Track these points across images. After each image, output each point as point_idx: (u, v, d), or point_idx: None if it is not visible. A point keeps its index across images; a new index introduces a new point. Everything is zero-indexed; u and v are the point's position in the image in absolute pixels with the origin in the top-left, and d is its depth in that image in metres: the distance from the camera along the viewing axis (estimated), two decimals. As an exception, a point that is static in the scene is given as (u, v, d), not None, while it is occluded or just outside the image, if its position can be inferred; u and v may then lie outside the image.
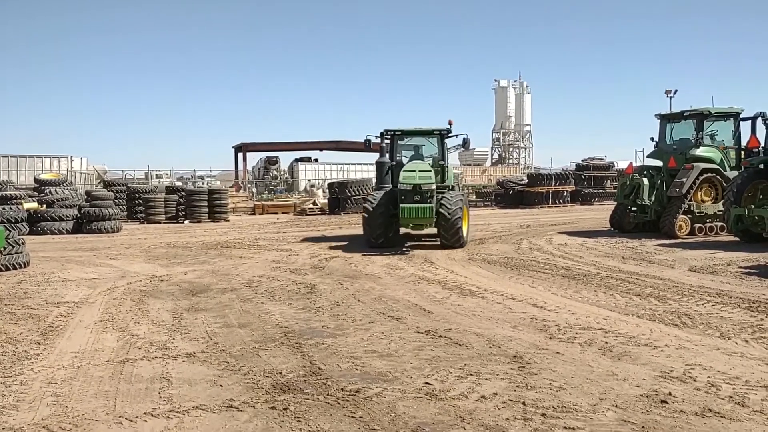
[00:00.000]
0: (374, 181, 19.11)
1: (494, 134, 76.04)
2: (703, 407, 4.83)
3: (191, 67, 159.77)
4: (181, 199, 27.45)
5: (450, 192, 16.16)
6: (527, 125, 75.59)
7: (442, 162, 16.98)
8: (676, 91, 34.15)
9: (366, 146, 17.46)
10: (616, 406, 4.89)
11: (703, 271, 11.51)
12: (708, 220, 17.52)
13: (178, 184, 36.02)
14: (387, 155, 17.27)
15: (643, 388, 5.29)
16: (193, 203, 26.99)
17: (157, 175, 48.96)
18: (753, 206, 15.09)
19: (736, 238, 15.80)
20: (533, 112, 76.75)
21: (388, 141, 17.27)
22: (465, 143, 17.15)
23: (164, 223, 26.33)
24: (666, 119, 19.16)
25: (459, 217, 15.07)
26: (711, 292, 9.47)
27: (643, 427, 4.48)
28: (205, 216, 26.98)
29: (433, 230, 16.24)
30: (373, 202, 15.66)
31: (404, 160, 17.25)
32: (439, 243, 15.81)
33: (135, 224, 25.98)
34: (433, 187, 15.16)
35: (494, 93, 76.59)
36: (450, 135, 17.03)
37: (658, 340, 6.83)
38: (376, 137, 17.36)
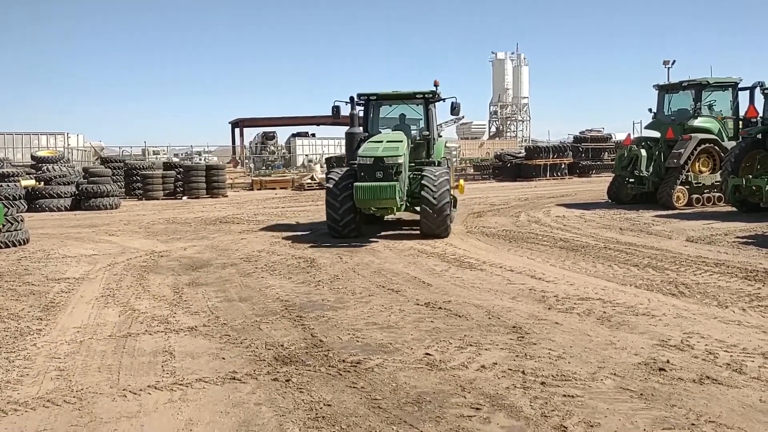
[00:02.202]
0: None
1: (492, 107, 75.69)
2: (701, 374, 4.88)
3: (187, 43, 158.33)
4: (178, 176, 27.38)
5: (433, 168, 13.05)
6: (525, 98, 75.23)
7: (428, 133, 13.93)
8: (674, 61, 33.94)
9: (333, 115, 14.06)
10: (615, 374, 4.95)
11: (700, 242, 11.56)
12: (705, 191, 17.55)
13: (175, 160, 35.84)
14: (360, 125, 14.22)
15: (641, 356, 5.35)
16: (191, 179, 26.93)
17: (154, 151, 48.69)
18: (750, 176, 15.10)
19: (734, 209, 15.84)
20: (531, 85, 76.40)
21: (361, 108, 14.31)
22: (454, 108, 13.86)
23: (162, 199, 26.29)
24: (664, 90, 19.08)
25: (447, 202, 12.31)
26: (708, 262, 9.52)
27: (641, 394, 4.53)
28: (203, 192, 26.94)
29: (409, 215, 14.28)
30: (336, 180, 12.65)
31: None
32: (419, 232, 12.84)
33: (133, 201, 25.94)
34: (401, 161, 12.08)
35: (492, 66, 76.08)
36: (436, 99, 14.02)
37: (655, 309, 6.89)
38: (347, 103, 14.11)
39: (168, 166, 29.39)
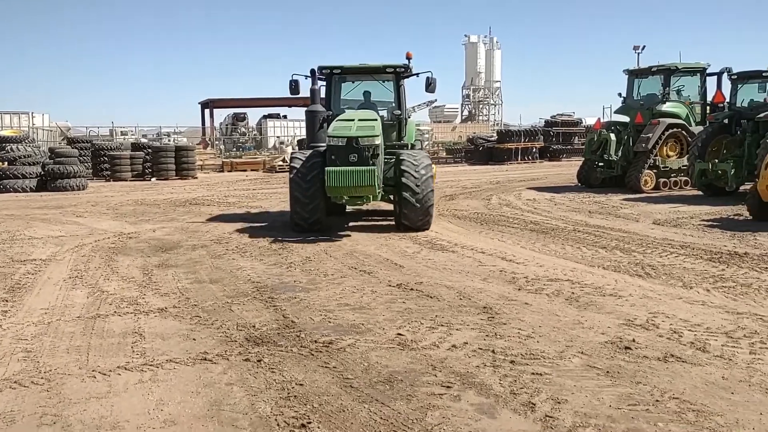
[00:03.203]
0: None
1: (464, 91, 75.77)
2: (666, 353, 5.00)
3: (155, 20, 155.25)
4: (147, 157, 26.98)
5: (412, 150, 11.96)
6: (497, 82, 75.40)
7: (399, 112, 12.37)
8: (644, 46, 34.27)
9: (291, 90, 12.18)
10: (582, 352, 5.04)
11: (666, 224, 11.78)
12: (673, 175, 17.85)
13: (144, 141, 35.28)
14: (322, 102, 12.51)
15: (607, 335, 5.46)
16: (160, 160, 26.55)
17: (122, 132, 47.85)
18: (717, 161, 15.39)
19: (700, 192, 16.16)
20: (503, 69, 76.55)
21: (323, 83, 12.58)
22: (429, 84, 12.25)
23: (131, 180, 25.90)
24: (634, 75, 19.29)
25: (431, 191, 11.02)
26: (674, 244, 9.72)
27: (607, 372, 4.63)
28: (173, 173, 26.59)
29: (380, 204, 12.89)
30: (303, 165, 11.01)
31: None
32: (394, 223, 11.77)
33: (101, 182, 25.51)
34: (378, 142, 10.66)
35: (464, 49, 76.04)
36: (409, 74, 12.48)
37: (622, 290, 7.02)
38: (306, 77, 12.35)
39: (136, 147, 28.93)
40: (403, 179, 10.88)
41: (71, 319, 6.18)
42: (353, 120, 10.96)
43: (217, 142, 47.51)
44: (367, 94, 12.87)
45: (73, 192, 21.15)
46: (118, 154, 26.83)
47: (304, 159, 11.11)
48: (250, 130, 54.12)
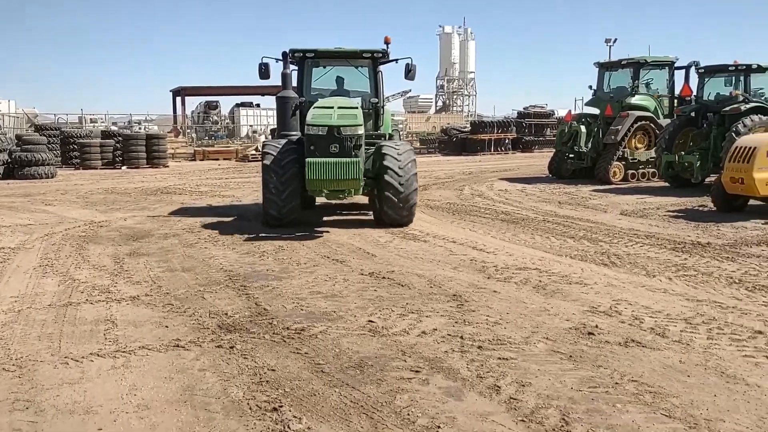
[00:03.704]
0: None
1: (438, 81, 75.91)
2: (627, 338, 5.19)
3: (124, 5, 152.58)
4: (118, 145, 26.63)
5: (393, 142, 11.13)
6: (471, 72, 75.67)
7: (376, 100, 11.62)
8: (615, 39, 34.94)
9: (261, 74, 11.46)
10: (547, 338, 5.20)
11: (633, 215, 12.06)
12: (641, 167, 18.21)
13: (114, 128, 34.79)
14: (294, 88, 11.71)
15: (572, 321, 5.63)
16: (130, 149, 26.24)
17: (91, 119, 47.07)
18: (683, 153, 15.74)
19: (667, 184, 16.53)
20: (477, 60, 76.82)
21: (295, 68, 11.84)
22: (409, 71, 11.60)
23: (101, 168, 25.57)
24: (604, 68, 19.58)
25: (414, 189, 10.41)
26: (640, 234, 9.97)
27: (570, 356, 4.80)
28: (144, 162, 26.31)
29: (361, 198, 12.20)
30: (276, 156, 10.32)
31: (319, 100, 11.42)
32: (373, 218, 11.30)
33: (70, 170, 25.15)
34: (360, 131, 10.04)
35: (439, 39, 76.12)
36: (386, 59, 11.82)
37: (588, 278, 7.22)
38: (277, 60, 11.57)
39: (107, 134, 28.53)
40: (386, 177, 10.15)
41: (42, 307, 6.17)
42: (332, 107, 10.24)
43: (188, 131, 47.05)
44: (340, 80, 12.12)
45: (42, 180, 20.84)
46: (88, 141, 26.46)
47: (278, 148, 10.44)
48: (223, 118, 53.66)
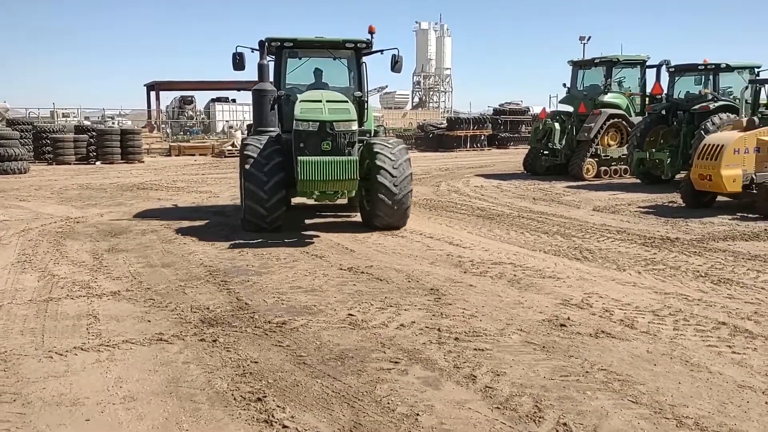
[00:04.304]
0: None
1: (415, 77, 76.13)
2: (597, 329, 5.39)
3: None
4: (91, 140, 26.37)
5: (383, 139, 10.63)
6: (447, 69, 76.01)
7: (360, 94, 10.83)
8: (589, 37, 35.46)
9: (236, 65, 10.53)
10: (521, 330, 5.39)
11: (605, 211, 12.33)
12: (613, 164, 18.55)
13: (87, 123, 34.41)
14: (271, 80, 10.87)
15: (545, 314, 5.83)
16: (104, 144, 26.00)
17: (63, 114, 46.45)
18: (654, 150, 16.09)
19: (638, 181, 16.87)
20: (453, 56, 77.19)
21: (272, 59, 10.95)
22: (396, 63, 10.92)
23: (74, 164, 25.32)
24: (578, 66, 19.88)
25: (410, 191, 9.86)
26: (611, 230, 10.23)
27: (543, 347, 4.99)
28: (118, 157, 26.09)
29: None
30: (260, 154, 9.54)
31: (297, 93, 10.54)
32: (361, 220, 10.57)
33: (43, 165, 24.86)
34: (354, 127, 9.49)
35: (415, 35, 76.32)
36: (370, 50, 11.04)
37: (561, 272, 7.43)
38: (253, 50, 10.79)
39: (80, 129, 28.24)
40: (379, 177, 9.49)
41: (23, 302, 6.21)
42: (320, 101, 9.50)
43: (163, 126, 46.66)
44: (318, 72, 11.15)
45: (15, 175, 20.59)
46: (61, 136, 26.17)
47: (260, 146, 9.61)
48: (198, 113, 53.30)
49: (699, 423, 3.75)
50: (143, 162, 26.68)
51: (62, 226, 10.72)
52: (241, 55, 10.49)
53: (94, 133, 26.79)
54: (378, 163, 9.57)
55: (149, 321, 5.63)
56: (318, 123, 9.19)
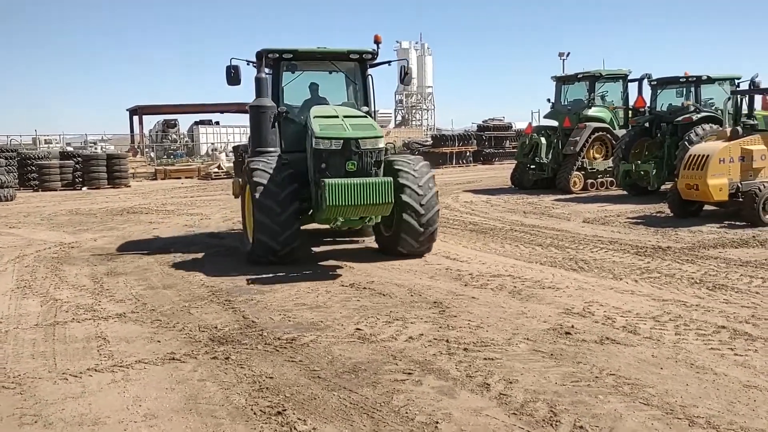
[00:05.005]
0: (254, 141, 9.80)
1: (397, 96, 76.68)
2: (602, 336, 5.51)
3: (75, 22, 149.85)
4: (77, 165, 26.30)
5: (403, 156, 9.95)
6: (429, 87, 76.69)
7: (367, 109, 9.94)
8: (568, 53, 36.10)
9: (230, 79, 9.56)
10: (528, 338, 5.49)
11: (596, 222, 12.52)
12: (599, 176, 18.82)
13: (70, 149, 34.25)
14: (269, 96, 9.73)
15: (549, 323, 5.94)
16: (90, 169, 25.94)
17: (46, 140, 46.23)
18: (639, 162, 16.38)
19: (625, 192, 17.13)
20: (435, 74, 77.93)
21: (269, 73, 9.93)
22: (405, 75, 10.30)
23: (60, 190, 25.20)
24: (561, 81, 20.23)
25: (437, 211, 9.13)
26: (604, 240, 10.40)
27: (551, 354, 5.09)
28: (104, 182, 26.02)
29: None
30: (271, 180, 8.57)
31: (296, 110, 9.99)
32: (379, 247, 9.79)
33: (29, 192, 24.72)
34: (382, 145, 8.61)
35: (396, 54, 76.90)
36: (378, 61, 10.27)
37: (559, 282, 7.56)
38: (250, 63, 9.86)
39: (65, 155, 28.15)
40: (403, 197, 8.68)
41: (29, 327, 6.21)
42: (337, 116, 8.70)
43: (147, 150, 46.55)
44: (314, 87, 10.27)
45: (1, 203, 20.45)
46: (47, 163, 26.08)
47: (270, 170, 8.62)
48: (182, 136, 53.28)
49: (710, 422, 3.86)
50: (130, 186, 26.63)
51: (57, 252, 10.70)
52: (236, 68, 9.56)
53: (79, 159, 26.72)
54: (401, 181, 8.78)
55: (159, 341, 5.66)
56: (342, 141, 8.25)
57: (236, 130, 53.84)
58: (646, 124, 16.95)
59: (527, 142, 19.69)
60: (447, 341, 5.44)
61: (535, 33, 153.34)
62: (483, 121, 40.12)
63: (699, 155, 11.75)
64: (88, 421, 4.04)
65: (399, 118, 75.94)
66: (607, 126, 18.91)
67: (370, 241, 10.47)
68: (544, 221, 12.93)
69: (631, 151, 16.71)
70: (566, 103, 19.89)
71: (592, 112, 18.92)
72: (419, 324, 5.98)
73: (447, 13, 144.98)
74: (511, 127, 39.09)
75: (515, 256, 9.36)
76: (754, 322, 5.80)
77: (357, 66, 10.21)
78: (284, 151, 9.47)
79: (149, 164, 36.37)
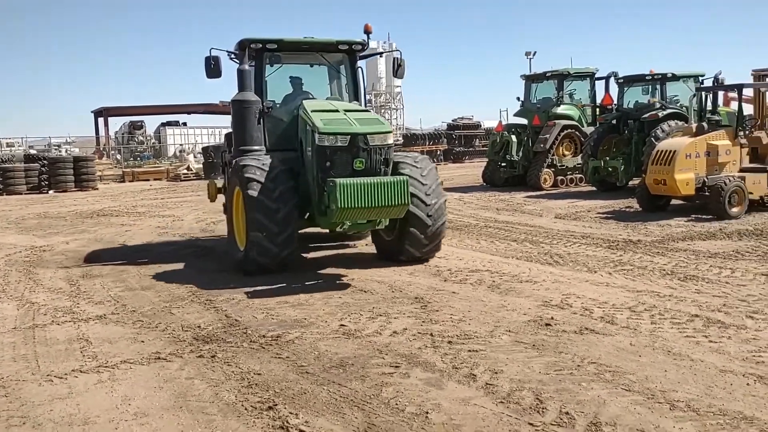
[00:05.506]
0: (233, 139, 9.01)
1: (366, 96, 76.67)
2: (581, 327, 5.64)
3: (37, 23, 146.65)
4: (43, 168, 25.84)
5: (408, 156, 8.86)
6: (398, 86, 76.82)
7: (358, 104, 9.33)
8: (535, 52, 36.27)
9: (209, 71, 8.78)
10: (509, 330, 5.60)
11: (567, 218, 12.75)
12: (569, 173, 19.13)
13: (33, 152, 33.60)
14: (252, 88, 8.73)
15: (529, 315, 6.06)
16: (57, 172, 25.52)
17: (7, 143, 45.24)
18: (608, 158, 16.71)
19: (594, 188, 17.44)
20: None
21: (251, 65, 8.96)
22: (399, 67, 9.63)
23: (26, 193, 24.74)
24: (530, 80, 20.50)
25: (445, 220, 8.55)
26: (576, 235, 10.60)
27: (533, 345, 5.21)
28: (72, 185, 25.62)
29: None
30: (267, 183, 7.82)
31: (276, 105, 9.21)
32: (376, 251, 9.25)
33: (-7, 196, 24.20)
34: (391, 141, 8.01)
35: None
36: (369, 53, 9.95)
37: (536, 276, 7.70)
38: (231, 54, 9.29)
39: (30, 158, 27.64)
40: (411, 207, 7.81)
41: (7, 330, 6.13)
42: (337, 111, 8.14)
43: (113, 152, 45.84)
44: (296, 81, 9.62)
45: (-34, 207, 19.99)
46: (11, 166, 25.63)
47: (263, 167, 7.95)
48: (149, 138, 52.58)
49: (690, 405, 4.00)
50: (98, 189, 26.26)
51: (29, 255, 10.52)
52: (216, 59, 8.78)
53: (45, 162, 26.25)
54: (411, 183, 7.87)
55: (143, 341, 5.63)
56: (348, 136, 7.62)
57: (204, 131, 53.36)
58: (614, 122, 17.29)
59: (498, 140, 19.91)
60: (431, 335, 5.52)
61: (502, 33, 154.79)
62: (453, 120, 40.40)
63: (666, 151, 12.04)
64: (78, 421, 4.02)
65: (368, 117, 75.75)
66: (576, 123, 19.21)
67: (363, 246, 10.21)
68: (517, 217, 13.11)
69: (600, 148, 17.02)
70: (535, 101, 20.15)
71: (560, 110, 19.21)
72: (402, 319, 6.05)
73: (414, 12, 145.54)
74: (481, 125, 39.44)
75: (491, 251, 9.50)
76: (726, 311, 6.00)
77: (346, 58, 9.58)
78: (269, 150, 8.69)
79: (116, 166, 35.85)
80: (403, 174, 7.93)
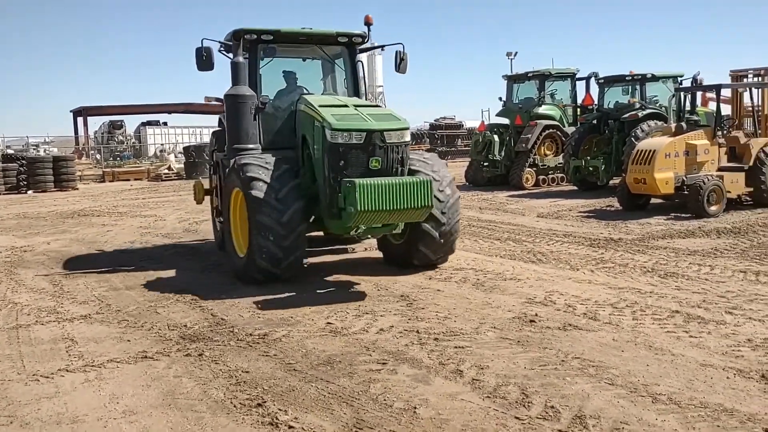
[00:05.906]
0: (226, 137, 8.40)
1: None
2: (564, 323, 5.73)
3: (12, 20, 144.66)
4: (22, 168, 25.53)
5: (420, 154, 8.33)
6: (380, 86, 76.83)
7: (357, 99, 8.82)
8: (516, 53, 36.55)
9: (201, 63, 8.24)
10: (495, 327, 5.68)
11: (549, 217, 12.88)
12: (550, 172, 19.29)
13: (10, 152, 33.18)
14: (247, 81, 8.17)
15: (514, 312, 6.14)
16: (36, 172, 25.22)
17: (-17, 143, 44.63)
18: (589, 158, 16.89)
19: (575, 187, 17.62)
20: (385, 74, 78.19)
21: (245, 57, 8.32)
22: (401, 61, 8.98)
23: (4, 194, 24.40)
24: (512, 80, 20.65)
25: (458, 220, 8.15)
26: (558, 234, 10.72)
27: (518, 341, 5.28)
28: (51, 185, 25.34)
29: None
30: (272, 176, 7.36)
31: (270, 100, 8.75)
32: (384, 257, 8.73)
33: (-30, 196, 23.87)
34: (408, 138, 7.45)
35: (346, 54, 76.98)
36: (369, 46, 9.44)
37: (520, 274, 7.79)
38: (222, 46, 8.77)
39: (8, 158, 27.27)
40: None
41: (-10, 330, 6.08)
42: (347, 106, 7.66)
43: (92, 152, 45.40)
44: (290, 75, 9.09)
45: (-57, 208, 19.70)
46: (-12, 166, 25.21)
47: (265, 164, 7.46)
48: (129, 138, 52.14)
49: (672, 398, 4.09)
50: (78, 189, 25.99)
51: (9, 256, 10.41)
52: (208, 50, 8.24)
53: (24, 162, 25.94)
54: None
55: (129, 341, 5.63)
56: (364, 133, 7.08)
57: (184, 130, 53.03)
58: (595, 122, 17.48)
59: (481, 140, 20.00)
60: (417, 332, 5.58)
61: (484, 33, 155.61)
62: (435, 120, 40.56)
63: (646, 150, 12.21)
64: (67, 420, 4.02)
65: (350, 117, 75.76)
66: (557, 123, 19.38)
67: (362, 251, 9.77)
68: (500, 216, 13.22)
69: (581, 148, 17.20)
70: (517, 101, 20.30)
71: (542, 110, 19.37)
72: (389, 316, 6.10)
73: (395, 13, 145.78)
74: (463, 125, 39.62)
75: (475, 250, 9.58)
76: (706, 307, 6.12)
77: (345, 51, 9.06)
78: (263, 149, 8.16)
79: (96, 166, 35.53)
80: (416, 172, 7.47)
